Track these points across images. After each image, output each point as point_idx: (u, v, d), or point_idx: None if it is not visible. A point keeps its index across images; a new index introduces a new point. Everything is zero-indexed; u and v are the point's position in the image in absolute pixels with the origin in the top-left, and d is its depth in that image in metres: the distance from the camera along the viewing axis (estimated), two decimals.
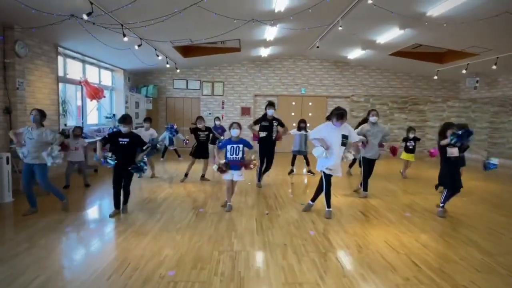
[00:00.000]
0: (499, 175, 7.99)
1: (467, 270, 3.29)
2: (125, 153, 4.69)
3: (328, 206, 4.87)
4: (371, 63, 12.05)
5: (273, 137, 6.67)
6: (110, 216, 4.69)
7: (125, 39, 6.26)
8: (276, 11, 6.44)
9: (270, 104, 6.57)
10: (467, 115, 12.50)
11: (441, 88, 12.51)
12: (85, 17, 5.03)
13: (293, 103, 12.59)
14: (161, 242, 3.83)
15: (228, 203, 5.12)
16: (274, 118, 6.68)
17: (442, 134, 5.00)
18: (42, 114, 4.60)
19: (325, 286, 2.95)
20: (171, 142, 9.09)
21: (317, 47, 9.81)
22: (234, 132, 4.97)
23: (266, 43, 9.62)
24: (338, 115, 4.60)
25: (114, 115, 10.45)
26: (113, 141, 4.69)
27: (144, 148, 4.90)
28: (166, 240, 3.91)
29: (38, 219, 4.53)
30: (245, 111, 12.46)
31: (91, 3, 5.03)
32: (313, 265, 3.34)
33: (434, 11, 6.36)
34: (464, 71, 9.77)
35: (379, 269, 3.28)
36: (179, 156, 10.26)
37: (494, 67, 8.68)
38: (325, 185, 4.82)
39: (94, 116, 9.79)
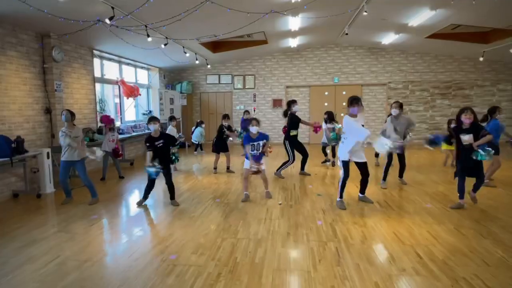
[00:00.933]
0: None
1: (473, 263, 3.11)
2: (162, 154, 4.95)
3: (340, 195, 4.83)
4: (409, 47, 11.39)
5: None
6: (137, 204, 5.09)
7: (149, 39, 6.62)
8: (293, 1, 6.39)
9: (295, 102, 6.87)
10: None
11: (490, 70, 11.47)
12: (107, 21, 5.42)
13: (326, 93, 12.35)
14: (172, 229, 4.08)
15: (245, 192, 5.25)
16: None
17: (456, 119, 4.71)
18: (72, 113, 5.06)
19: (315, 273, 2.98)
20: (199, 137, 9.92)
21: (346, 34, 9.52)
22: (254, 129, 5.07)
23: (292, 34, 9.53)
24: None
25: (150, 111, 11.09)
26: (153, 146, 4.91)
27: (176, 144, 5.27)
28: (177, 227, 4.15)
29: (72, 207, 5.05)
30: (277, 103, 12.47)
31: (113, 8, 5.41)
32: (310, 253, 3.36)
33: None
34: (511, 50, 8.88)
35: (377, 259, 3.22)
36: (195, 150, 10.56)
37: None
38: (343, 173, 4.78)
39: (132, 113, 10.45)
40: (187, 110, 12.52)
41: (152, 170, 4.76)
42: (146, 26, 6.55)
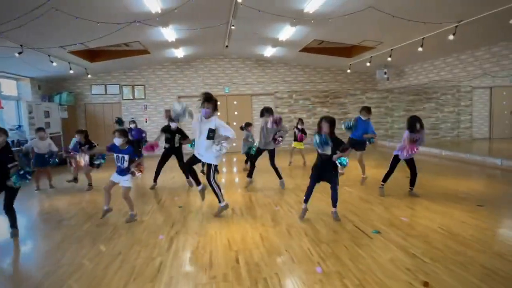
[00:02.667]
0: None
1: (282, 262, 3.36)
2: None
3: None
4: (290, 60, 12.26)
5: (176, 146, 6.95)
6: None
7: None
8: (153, 12, 6.35)
9: (171, 119, 6.88)
10: (385, 105, 13.07)
11: (359, 80, 12.98)
12: None
13: (218, 103, 12.50)
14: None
15: (104, 207, 4.91)
16: (178, 131, 6.98)
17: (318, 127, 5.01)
18: None
19: None
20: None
21: (227, 46, 9.85)
22: (117, 141, 4.73)
23: (173, 44, 9.49)
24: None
25: (20, 126, 9.94)
26: None
27: (10, 166, 4.61)
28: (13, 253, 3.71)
29: None
30: (169, 113, 12.24)
31: None
32: (129, 272, 3.27)
33: (309, 8, 6.52)
34: (368, 64, 10.17)
35: (196, 269, 3.29)
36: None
37: (389, 59, 9.10)
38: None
39: None
40: (68, 123, 11.51)
41: None
42: None
